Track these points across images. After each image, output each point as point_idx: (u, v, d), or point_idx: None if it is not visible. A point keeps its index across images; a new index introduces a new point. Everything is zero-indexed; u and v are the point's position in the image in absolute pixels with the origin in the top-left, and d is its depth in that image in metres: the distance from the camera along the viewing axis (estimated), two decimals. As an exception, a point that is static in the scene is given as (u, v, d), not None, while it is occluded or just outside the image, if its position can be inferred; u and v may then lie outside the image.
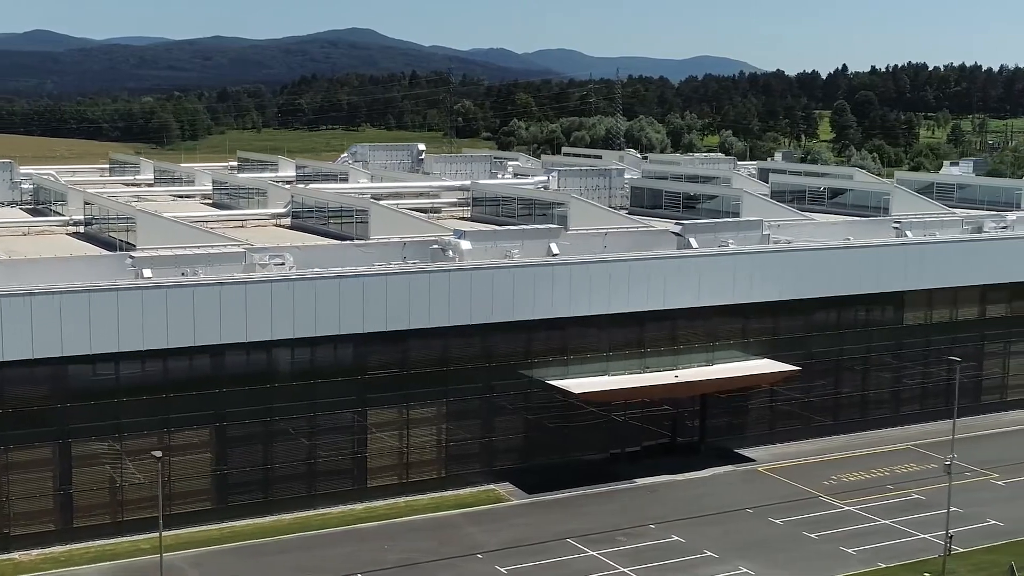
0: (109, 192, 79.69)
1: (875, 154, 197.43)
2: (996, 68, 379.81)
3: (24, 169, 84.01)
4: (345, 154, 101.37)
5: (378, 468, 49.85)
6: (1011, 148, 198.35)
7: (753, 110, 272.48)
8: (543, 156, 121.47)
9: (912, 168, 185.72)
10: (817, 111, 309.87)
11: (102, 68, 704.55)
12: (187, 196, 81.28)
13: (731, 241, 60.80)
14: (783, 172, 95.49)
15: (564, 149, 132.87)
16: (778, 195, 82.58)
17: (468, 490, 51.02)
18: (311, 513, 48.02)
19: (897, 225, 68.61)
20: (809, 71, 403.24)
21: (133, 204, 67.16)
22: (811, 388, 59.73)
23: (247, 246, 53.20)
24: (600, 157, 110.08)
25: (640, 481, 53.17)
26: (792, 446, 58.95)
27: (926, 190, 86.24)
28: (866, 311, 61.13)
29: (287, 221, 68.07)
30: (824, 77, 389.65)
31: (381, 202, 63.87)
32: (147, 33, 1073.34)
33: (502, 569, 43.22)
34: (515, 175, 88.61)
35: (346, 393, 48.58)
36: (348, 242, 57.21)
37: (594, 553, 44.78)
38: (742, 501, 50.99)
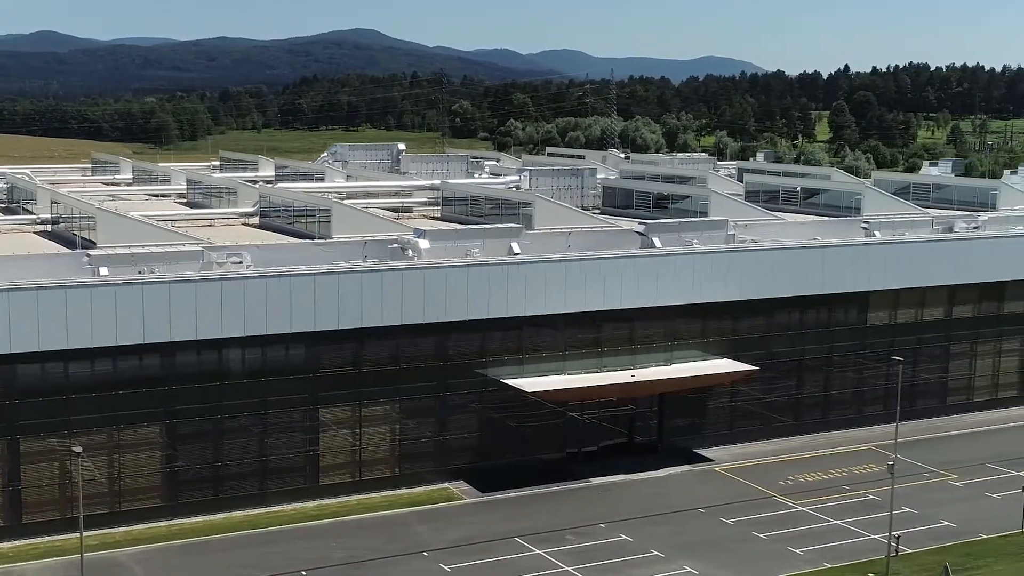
0: (85, 191, 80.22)
1: (868, 155, 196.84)
2: (999, 68, 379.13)
3: None
4: (325, 153, 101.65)
5: (331, 466, 50.03)
6: (1006, 149, 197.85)
7: (749, 110, 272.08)
8: (524, 156, 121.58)
9: (907, 169, 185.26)
10: (816, 111, 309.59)
11: (107, 69, 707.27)
12: (163, 195, 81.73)
13: (695, 241, 60.87)
14: (761, 172, 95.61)
15: (548, 149, 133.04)
16: (752, 195, 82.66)
17: (422, 489, 51.17)
18: (262, 511, 48.21)
19: (866, 225, 68.56)
20: (811, 72, 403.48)
21: (105, 203, 67.71)
22: (772, 388, 59.75)
23: (205, 245, 53.47)
24: (583, 157, 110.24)
25: (595, 481, 53.25)
26: (752, 446, 58.95)
27: (903, 191, 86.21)
28: (828, 311, 61.10)
29: (255, 220, 68.39)
30: (825, 77, 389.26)
31: (345, 202, 64.10)
32: (152, 34, 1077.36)
33: (446, 567, 43.35)
34: (492, 175, 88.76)
35: (298, 391, 48.78)
36: (308, 241, 57.44)
37: (540, 552, 44.87)
38: (695, 501, 51.02)
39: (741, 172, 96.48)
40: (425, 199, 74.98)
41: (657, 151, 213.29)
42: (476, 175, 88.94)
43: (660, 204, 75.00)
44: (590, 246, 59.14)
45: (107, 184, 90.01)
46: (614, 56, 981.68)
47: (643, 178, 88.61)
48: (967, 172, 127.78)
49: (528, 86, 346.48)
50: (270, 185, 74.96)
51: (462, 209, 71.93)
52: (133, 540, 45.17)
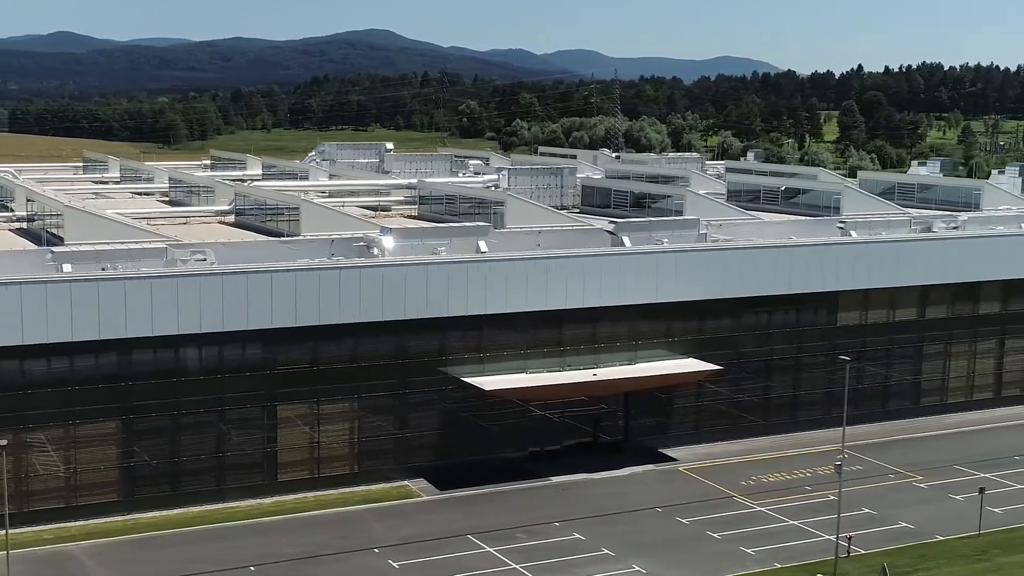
0: (73, 189, 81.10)
1: (874, 155, 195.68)
2: (1014, 68, 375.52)
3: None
4: (314, 152, 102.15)
5: (289, 463, 50.29)
6: (1016, 149, 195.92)
7: (756, 110, 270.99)
8: (512, 156, 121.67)
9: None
10: (826, 112, 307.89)
11: (123, 69, 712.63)
12: (146, 193, 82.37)
13: (665, 240, 60.76)
14: (748, 172, 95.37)
15: (541, 149, 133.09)
16: (734, 195, 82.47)
17: (381, 486, 51.34)
18: (219, 506, 48.54)
19: (842, 225, 68.24)
20: (824, 72, 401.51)
21: (87, 201, 68.34)
22: (739, 388, 59.57)
23: (170, 242, 53.87)
24: (575, 157, 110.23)
25: (556, 479, 53.26)
26: (719, 446, 58.79)
27: (889, 191, 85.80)
28: (797, 311, 60.85)
29: (231, 218, 68.83)
30: (837, 77, 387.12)
31: (317, 200, 64.40)
32: (168, 34, 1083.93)
33: (395, 564, 43.51)
34: (476, 174, 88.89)
35: (255, 388, 49.06)
36: (275, 239, 57.72)
37: (490, 550, 44.95)
38: (654, 500, 50.95)
39: (730, 172, 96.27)
40: (402, 198, 75.22)
41: (662, 151, 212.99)
42: (460, 174, 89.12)
43: (640, 204, 74.95)
44: (560, 245, 59.17)
45: (96, 182, 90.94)
46: (629, 56, 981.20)
47: (627, 178, 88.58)
48: (970, 173, 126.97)
49: (535, 86, 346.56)
50: (244, 184, 75.31)
51: (439, 208, 72.09)
52: (88, 534, 45.60)
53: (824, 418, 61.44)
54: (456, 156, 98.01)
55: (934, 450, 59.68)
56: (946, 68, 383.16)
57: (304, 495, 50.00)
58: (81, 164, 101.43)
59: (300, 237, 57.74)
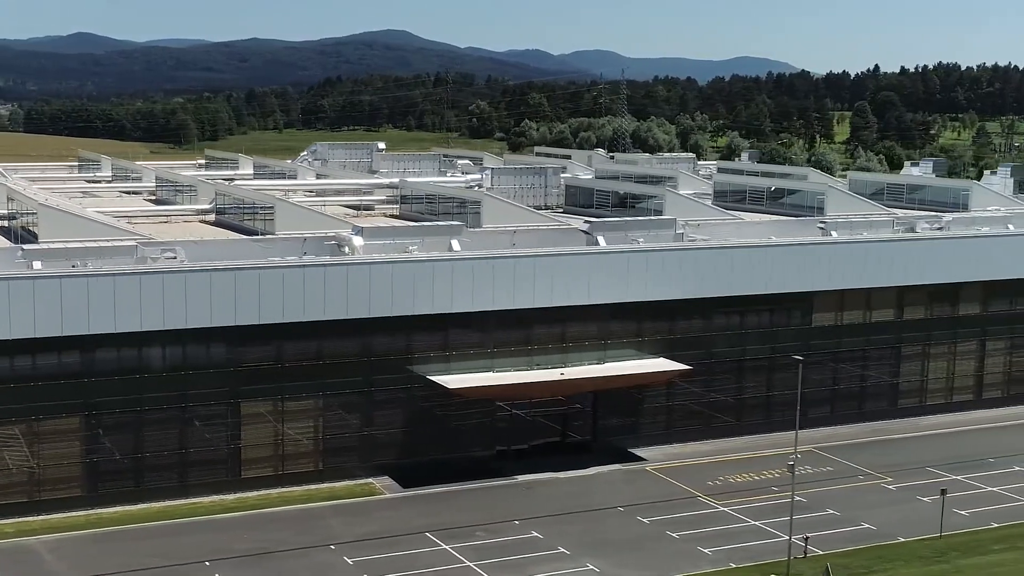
0: (65, 188, 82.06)
1: (881, 156, 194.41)
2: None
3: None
4: (306, 152, 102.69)
5: (253, 459, 50.56)
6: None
7: (765, 111, 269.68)
8: (505, 156, 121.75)
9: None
10: (840, 112, 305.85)
11: (141, 70, 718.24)
12: (134, 192, 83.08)
13: (641, 239, 60.66)
14: (740, 172, 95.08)
15: (536, 149, 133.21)
16: (720, 195, 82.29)
17: (345, 483, 51.55)
18: (182, 502, 48.89)
19: (822, 225, 67.92)
20: (839, 72, 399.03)
21: (74, 199, 68.95)
22: (711, 389, 59.37)
23: (140, 240, 54.32)
24: (569, 157, 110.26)
25: (521, 478, 53.29)
26: (689, 446, 58.62)
27: (878, 191, 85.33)
28: (771, 312, 60.56)
29: (211, 217, 69.31)
30: (852, 77, 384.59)
31: (292, 200, 64.73)
32: (187, 35, 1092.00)
33: (349, 560, 43.68)
34: (463, 174, 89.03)
35: (218, 385, 49.36)
36: (247, 237, 58.09)
37: (447, 547, 45.05)
38: (617, 500, 50.87)
39: (722, 172, 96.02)
40: (384, 197, 75.52)
41: (669, 151, 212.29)
42: (448, 174, 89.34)
43: (624, 204, 74.89)
44: (535, 244, 59.18)
45: (88, 181, 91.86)
46: (647, 56, 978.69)
47: (617, 178, 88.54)
48: (980, 174, 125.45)
49: (545, 86, 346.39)
50: (224, 183, 75.81)
51: (419, 207, 72.34)
52: (50, 528, 46.05)
53: (799, 419, 61.00)
54: (445, 156, 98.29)
55: (908, 452, 59.27)
56: (963, 68, 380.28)
57: (268, 492, 50.27)
58: (77, 163, 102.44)
59: (272, 236, 58.21)
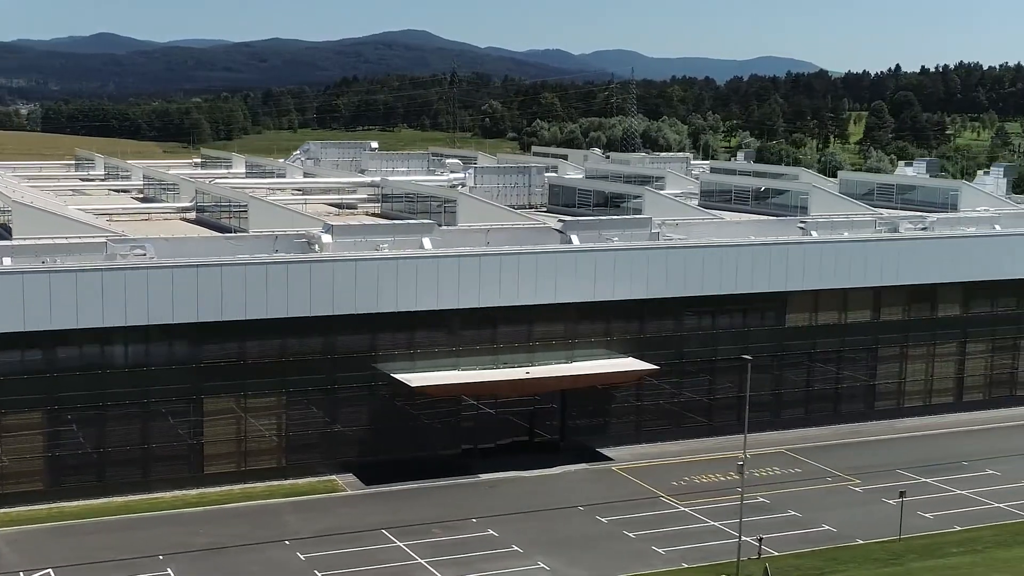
0: (59, 186, 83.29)
1: (892, 156, 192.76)
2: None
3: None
4: (298, 151, 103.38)
5: (215, 455, 50.90)
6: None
7: (778, 111, 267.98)
8: (499, 155, 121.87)
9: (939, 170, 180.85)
10: (856, 112, 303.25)
11: (161, 70, 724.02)
12: (123, 190, 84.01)
13: (615, 238, 60.51)
14: (732, 172, 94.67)
15: (534, 149, 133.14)
16: (707, 195, 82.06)
17: (308, 480, 51.78)
18: (143, 497, 49.30)
19: (802, 225, 67.44)
20: (858, 71, 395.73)
21: (65, 197, 69.70)
22: (682, 388, 59.12)
23: (113, 236, 54.86)
24: (566, 157, 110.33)
25: (484, 476, 53.31)
26: (659, 447, 58.41)
27: (869, 192, 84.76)
28: (744, 312, 60.20)
29: (192, 215, 69.93)
30: (872, 77, 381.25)
31: (267, 197, 65.17)
32: (207, 36, 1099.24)
33: (301, 556, 43.88)
34: (451, 173, 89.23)
35: (181, 381, 49.72)
36: (218, 235, 58.54)
37: (401, 544, 45.15)
38: (578, 499, 50.78)
39: (714, 171, 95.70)
40: (367, 196, 75.85)
41: (680, 151, 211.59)
42: (437, 172, 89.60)
43: (609, 203, 74.83)
44: (509, 243, 59.17)
45: (82, 180, 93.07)
46: (668, 56, 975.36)
47: (606, 178, 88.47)
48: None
49: (558, 86, 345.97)
50: (203, 182, 76.44)
51: (400, 206, 72.65)
52: (11, 521, 46.56)
53: (772, 420, 60.84)
54: (435, 155, 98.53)
55: (881, 454, 58.74)
56: (985, 68, 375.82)
57: (230, 488, 50.59)
58: (74, 162, 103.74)
59: (244, 234, 58.63)
